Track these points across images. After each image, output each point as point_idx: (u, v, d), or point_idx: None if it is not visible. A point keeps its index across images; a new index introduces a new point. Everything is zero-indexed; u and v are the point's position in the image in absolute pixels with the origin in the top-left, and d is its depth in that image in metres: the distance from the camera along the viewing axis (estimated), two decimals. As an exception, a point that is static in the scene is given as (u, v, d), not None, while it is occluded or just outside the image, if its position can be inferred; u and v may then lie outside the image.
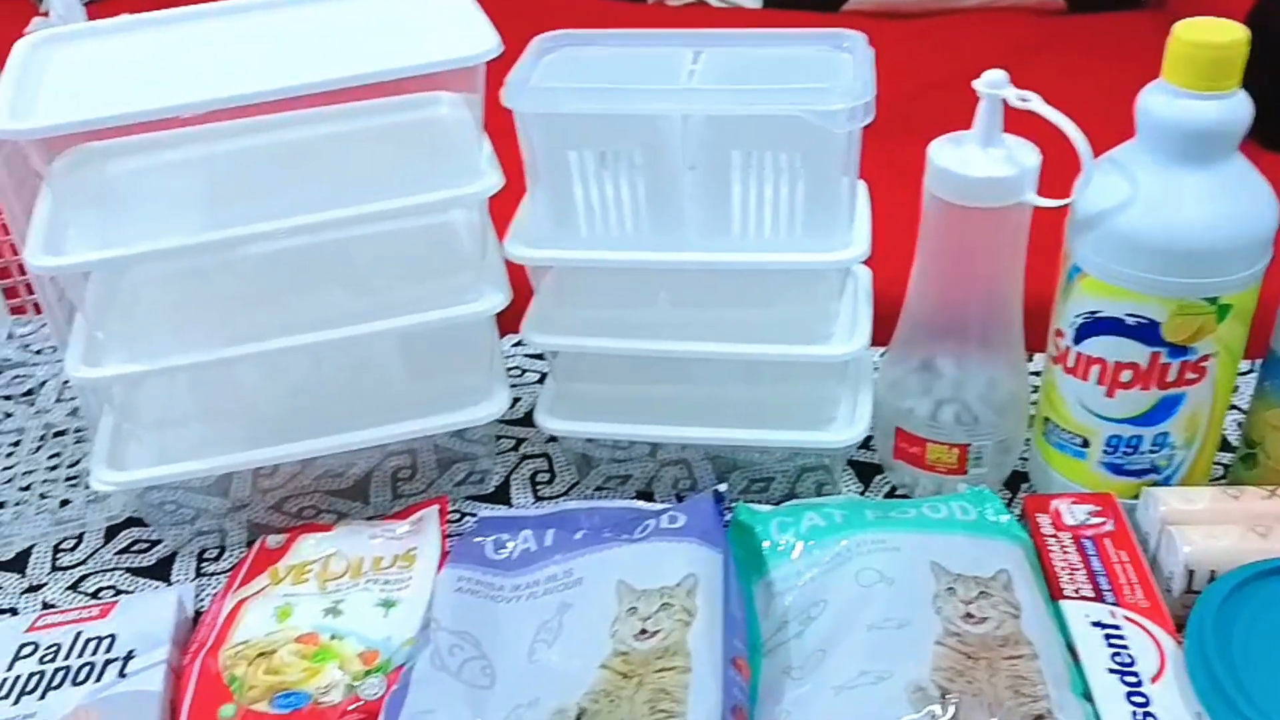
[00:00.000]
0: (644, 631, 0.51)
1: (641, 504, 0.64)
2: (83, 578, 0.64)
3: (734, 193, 0.58)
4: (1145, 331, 0.57)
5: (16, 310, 0.72)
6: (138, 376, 0.58)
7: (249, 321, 0.61)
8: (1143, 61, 0.62)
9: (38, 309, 0.73)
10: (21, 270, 0.71)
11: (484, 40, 0.54)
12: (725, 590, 0.53)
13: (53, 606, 0.62)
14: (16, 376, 0.79)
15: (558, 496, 0.69)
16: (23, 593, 0.63)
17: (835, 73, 0.58)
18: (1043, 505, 0.61)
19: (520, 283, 0.64)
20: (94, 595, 0.63)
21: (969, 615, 0.52)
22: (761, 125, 0.55)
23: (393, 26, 0.60)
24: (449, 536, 0.63)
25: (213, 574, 0.64)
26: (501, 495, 0.69)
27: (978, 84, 0.56)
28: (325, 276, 0.64)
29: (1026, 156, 0.57)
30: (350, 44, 0.59)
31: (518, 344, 0.81)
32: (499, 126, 0.60)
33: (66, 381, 0.78)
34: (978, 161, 0.57)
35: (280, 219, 0.56)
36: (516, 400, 0.75)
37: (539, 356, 0.80)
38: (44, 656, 0.55)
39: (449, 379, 0.67)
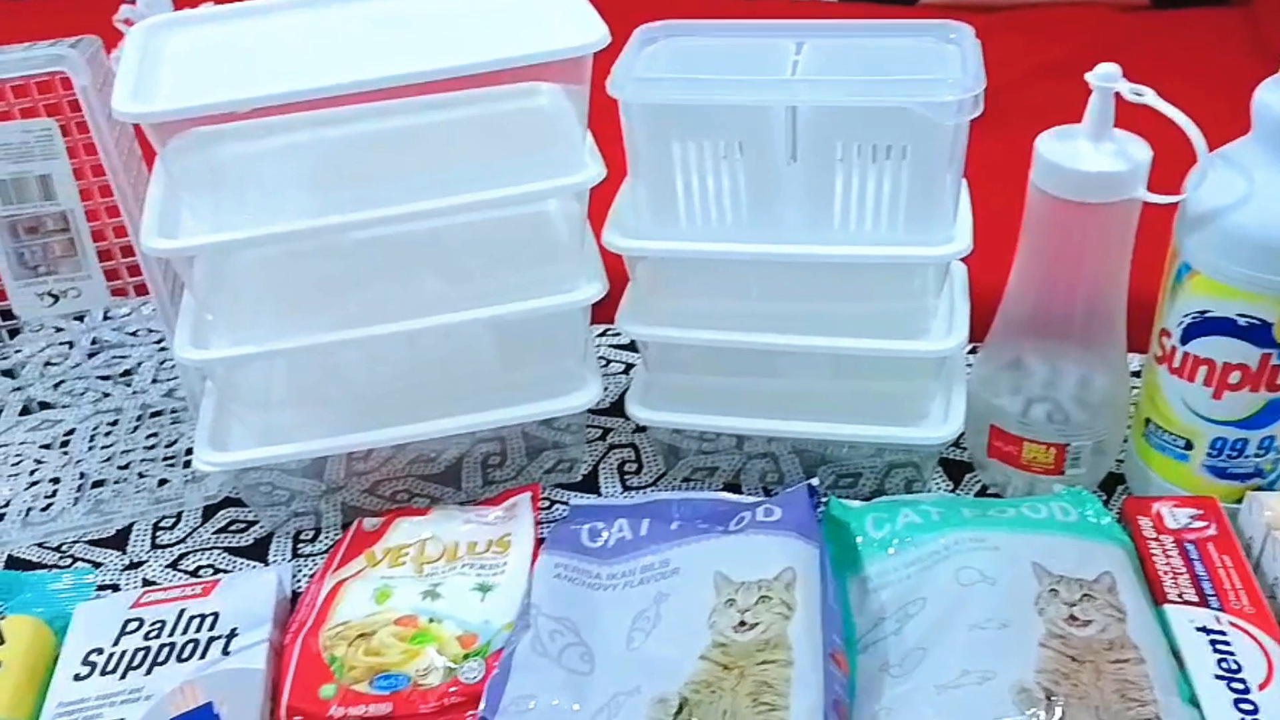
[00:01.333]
0: (743, 624, 0.51)
1: (734, 496, 0.63)
2: (182, 556, 0.65)
3: (836, 185, 0.57)
4: (1257, 332, 0.56)
5: (118, 292, 0.73)
6: (243, 359, 0.58)
7: (348, 306, 0.62)
8: (1231, 59, 0.61)
9: (138, 291, 0.74)
10: (124, 252, 0.72)
11: (593, 31, 0.54)
12: (823, 584, 0.53)
13: (153, 584, 0.63)
14: (114, 357, 0.81)
15: (646, 487, 0.69)
16: (124, 569, 0.64)
17: (941, 65, 0.57)
18: (1144, 508, 0.59)
19: (611, 272, 0.64)
20: (193, 573, 0.64)
21: (1073, 618, 0.52)
22: (869, 117, 0.55)
23: (498, 15, 0.60)
24: (540, 523, 0.63)
25: (308, 555, 0.65)
26: (590, 484, 0.70)
27: (1090, 77, 0.55)
28: (422, 263, 0.65)
29: (1138, 151, 0.56)
30: (457, 33, 0.59)
31: (603, 333, 0.81)
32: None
33: (163, 363, 0.80)
34: (1088, 156, 0.56)
35: (387, 206, 0.57)
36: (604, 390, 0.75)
37: (625, 346, 0.80)
38: (149, 633, 0.56)
39: (541, 367, 0.67)
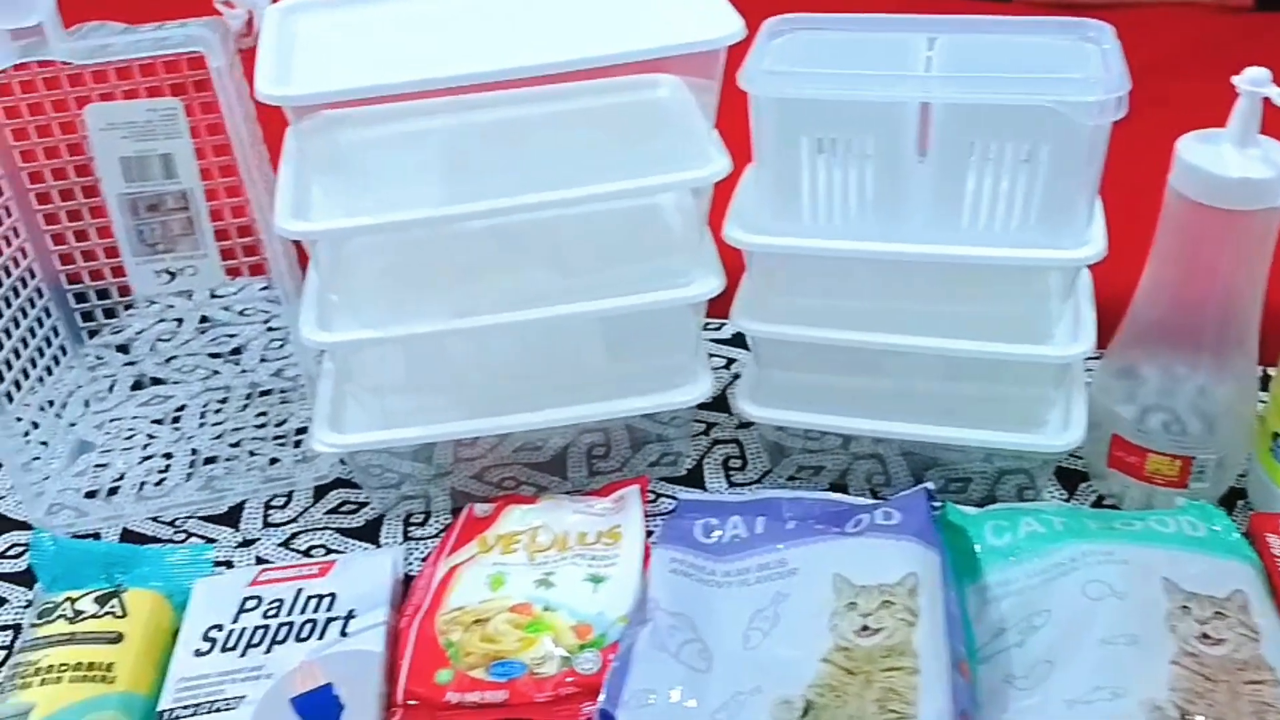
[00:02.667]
0: (866, 628, 0.50)
1: (846, 497, 0.63)
2: (294, 535, 0.66)
3: (968, 184, 0.56)
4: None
5: (231, 272, 0.74)
6: (367, 343, 0.59)
7: (463, 294, 0.62)
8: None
9: (252, 271, 0.75)
10: (240, 232, 0.73)
11: (729, 23, 0.54)
12: (945, 591, 0.52)
13: (266, 562, 0.64)
14: (221, 336, 0.82)
15: (751, 484, 0.69)
16: (237, 546, 0.65)
17: (1079, 64, 0.56)
18: (1272, 524, 0.58)
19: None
20: (305, 553, 0.64)
21: (1205, 636, 0.50)
22: (1007, 115, 0.54)
23: (626, 5, 0.60)
24: (648, 517, 0.63)
25: (419, 539, 0.65)
26: (695, 479, 0.69)
27: (1238, 80, 0.54)
28: (534, 253, 0.64)
29: (1284, 158, 0.55)
30: (587, 23, 0.59)
31: (704, 327, 0.80)
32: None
33: (271, 343, 0.81)
34: (1234, 161, 0.54)
35: (510, 195, 0.57)
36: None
37: (725, 341, 0.80)
38: (267, 611, 0.57)
39: (650, 361, 0.67)
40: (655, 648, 0.52)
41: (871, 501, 0.59)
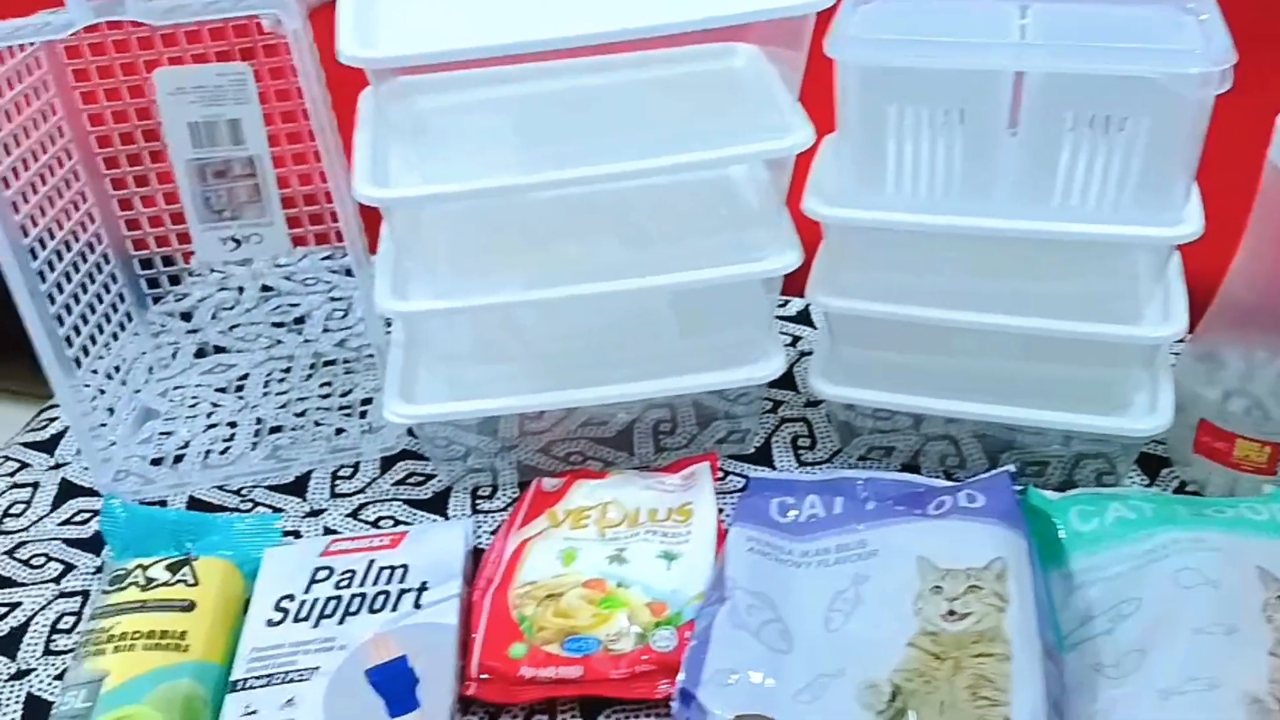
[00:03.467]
0: (952, 613, 0.49)
1: (923, 479, 0.61)
2: (362, 506, 0.65)
3: (1061, 157, 0.54)
4: None
5: (297, 240, 0.74)
6: (441, 313, 0.58)
7: (536, 264, 0.61)
8: None
9: (317, 240, 0.74)
10: (306, 200, 0.72)
11: (816, -12, 0.52)
12: (1034, 577, 0.51)
13: (335, 532, 0.64)
14: (283, 305, 0.81)
15: (820, 463, 0.67)
16: (304, 516, 0.65)
17: (1179, 35, 0.54)
18: (1367, 515, 0.56)
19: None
20: (374, 524, 0.64)
21: (1304, 627, 0.49)
22: (1106, 86, 0.52)
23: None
24: (718, 495, 0.62)
25: (487, 512, 0.65)
26: (762, 457, 0.68)
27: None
28: (608, 225, 0.63)
29: (1397, 135, 0.52)
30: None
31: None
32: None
33: (333, 313, 0.80)
34: (1343, 138, 0.52)
35: (587, 164, 0.55)
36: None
37: (793, 318, 0.78)
38: (339, 582, 0.56)
39: (722, 336, 0.66)
40: (735, 627, 0.51)
41: (952, 484, 0.58)
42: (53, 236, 0.65)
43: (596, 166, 0.55)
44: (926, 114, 0.55)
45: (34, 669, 0.57)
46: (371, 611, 0.54)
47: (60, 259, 0.66)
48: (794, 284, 0.63)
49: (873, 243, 0.60)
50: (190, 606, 0.54)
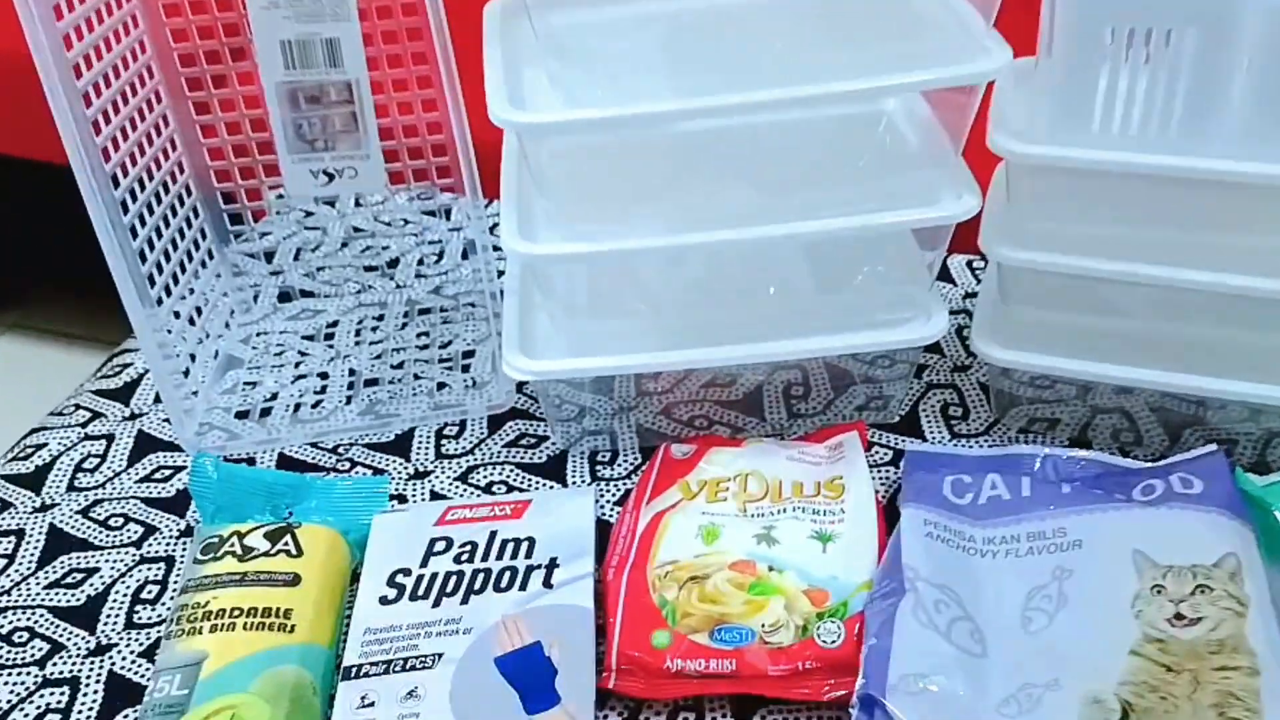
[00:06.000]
0: (1180, 616, 0.43)
1: (1110, 458, 0.54)
2: (471, 469, 0.59)
3: (1305, 93, 0.47)
4: None
5: (395, 178, 0.67)
6: (576, 256, 0.51)
7: (673, 205, 0.54)
8: None
9: (417, 177, 0.68)
10: (407, 132, 0.66)
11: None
12: (1269, 576, 0.44)
13: (443, 497, 0.57)
14: (374, 248, 0.75)
15: (976, 435, 0.61)
16: (409, 479, 0.59)
17: None
18: None
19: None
20: (486, 489, 0.58)
21: None
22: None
23: None
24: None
25: (608, 479, 0.58)
26: (910, 427, 0.61)
27: None
28: (754, 164, 0.56)
29: None
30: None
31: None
32: None
33: (425, 258, 0.74)
34: None
35: (753, 90, 0.48)
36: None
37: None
38: (459, 555, 0.50)
39: (873, 292, 0.59)
40: (921, 625, 0.44)
41: (1152, 464, 0.51)
42: (134, 164, 0.59)
43: (761, 92, 0.48)
44: (1151, 35, 0.47)
45: (115, 644, 0.51)
46: (497, 590, 0.48)
47: (142, 189, 0.60)
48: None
49: (1069, 187, 0.52)
50: (295, 580, 0.48)
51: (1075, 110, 0.50)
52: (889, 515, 0.53)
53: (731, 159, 0.58)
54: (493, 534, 0.51)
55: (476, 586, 0.48)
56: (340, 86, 0.62)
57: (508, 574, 0.49)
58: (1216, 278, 0.51)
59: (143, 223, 0.59)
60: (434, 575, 0.49)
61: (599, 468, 0.59)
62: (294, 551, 0.50)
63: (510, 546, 0.50)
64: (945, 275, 0.72)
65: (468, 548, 0.50)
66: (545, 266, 0.55)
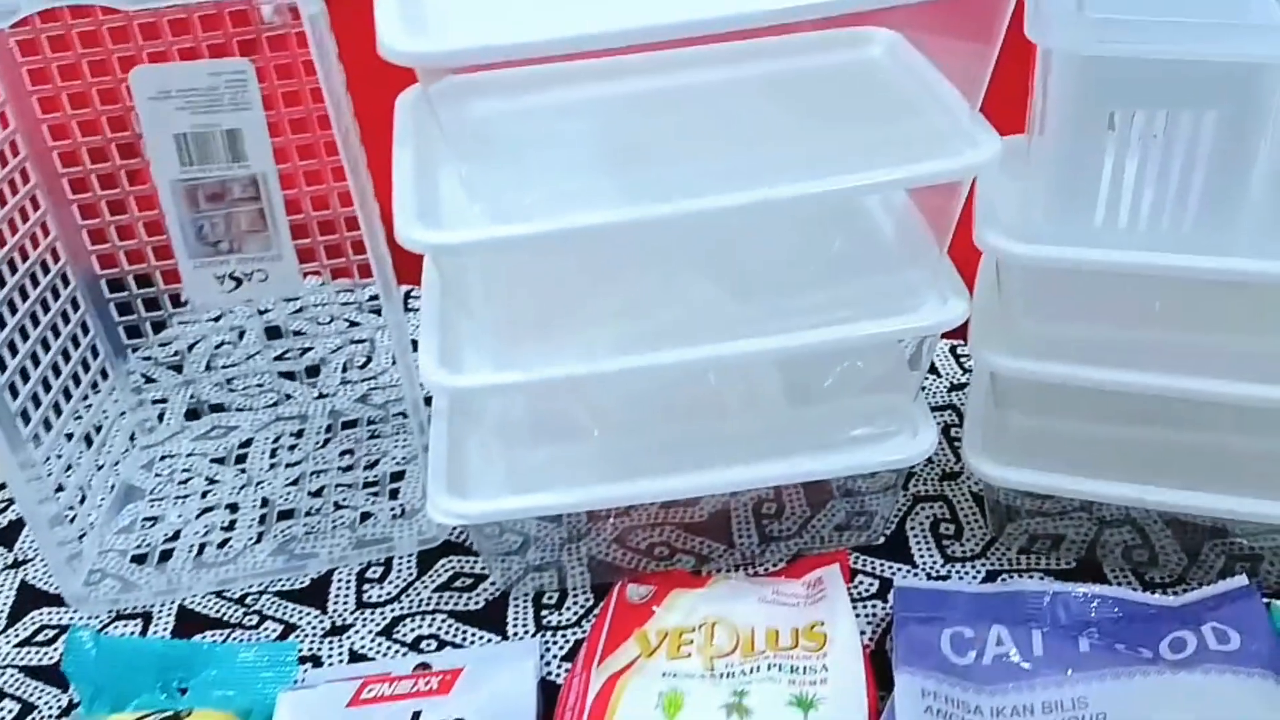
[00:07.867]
0: (1232, 815, 0.36)
1: (1130, 594, 0.47)
2: (397, 620, 0.51)
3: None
4: None
5: (310, 275, 0.60)
6: (508, 387, 0.44)
7: (619, 320, 0.47)
8: None
9: (335, 275, 0.60)
10: (323, 229, 0.59)
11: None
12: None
13: (363, 657, 0.50)
14: (292, 350, 0.67)
15: (972, 558, 0.54)
16: (324, 635, 0.51)
17: None
18: None
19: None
20: (413, 646, 0.50)
21: None
22: None
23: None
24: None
25: (556, 627, 0.51)
26: (896, 548, 0.55)
27: None
28: (701, 266, 0.50)
29: None
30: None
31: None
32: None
33: (350, 359, 0.67)
34: None
35: (709, 195, 0.41)
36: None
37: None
38: (376, 743, 0.43)
39: (853, 404, 0.52)
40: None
41: (1182, 605, 0.44)
42: (5, 281, 0.52)
43: (717, 198, 0.41)
44: (1161, 120, 0.41)
45: None
46: (421, 791, 0.41)
47: (14, 311, 0.52)
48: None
49: (1070, 286, 0.46)
50: (181, 787, 0.41)
51: (1075, 201, 0.43)
52: (877, 663, 0.46)
53: (688, 249, 0.51)
54: (416, 715, 0.43)
55: (396, 787, 0.41)
56: (245, 182, 0.55)
57: (433, 768, 0.41)
58: (1240, 388, 0.45)
59: (13, 351, 0.51)
60: (347, 773, 0.42)
61: (545, 613, 0.52)
62: (182, 747, 0.42)
63: (437, 732, 0.43)
64: (930, 366, 0.65)
65: (386, 735, 0.43)
66: (471, 396, 0.47)
